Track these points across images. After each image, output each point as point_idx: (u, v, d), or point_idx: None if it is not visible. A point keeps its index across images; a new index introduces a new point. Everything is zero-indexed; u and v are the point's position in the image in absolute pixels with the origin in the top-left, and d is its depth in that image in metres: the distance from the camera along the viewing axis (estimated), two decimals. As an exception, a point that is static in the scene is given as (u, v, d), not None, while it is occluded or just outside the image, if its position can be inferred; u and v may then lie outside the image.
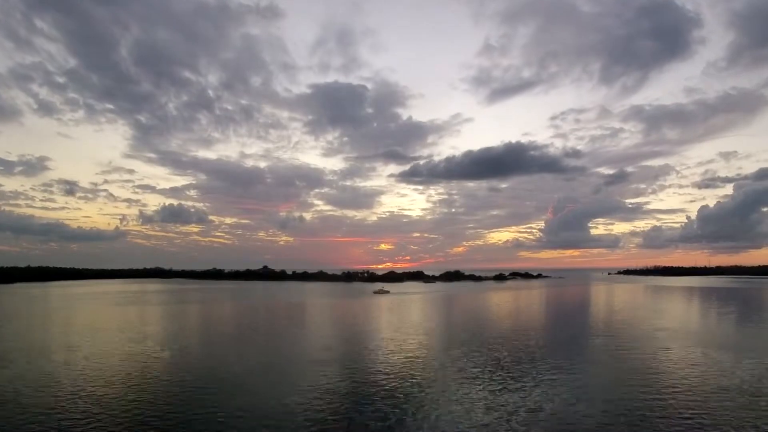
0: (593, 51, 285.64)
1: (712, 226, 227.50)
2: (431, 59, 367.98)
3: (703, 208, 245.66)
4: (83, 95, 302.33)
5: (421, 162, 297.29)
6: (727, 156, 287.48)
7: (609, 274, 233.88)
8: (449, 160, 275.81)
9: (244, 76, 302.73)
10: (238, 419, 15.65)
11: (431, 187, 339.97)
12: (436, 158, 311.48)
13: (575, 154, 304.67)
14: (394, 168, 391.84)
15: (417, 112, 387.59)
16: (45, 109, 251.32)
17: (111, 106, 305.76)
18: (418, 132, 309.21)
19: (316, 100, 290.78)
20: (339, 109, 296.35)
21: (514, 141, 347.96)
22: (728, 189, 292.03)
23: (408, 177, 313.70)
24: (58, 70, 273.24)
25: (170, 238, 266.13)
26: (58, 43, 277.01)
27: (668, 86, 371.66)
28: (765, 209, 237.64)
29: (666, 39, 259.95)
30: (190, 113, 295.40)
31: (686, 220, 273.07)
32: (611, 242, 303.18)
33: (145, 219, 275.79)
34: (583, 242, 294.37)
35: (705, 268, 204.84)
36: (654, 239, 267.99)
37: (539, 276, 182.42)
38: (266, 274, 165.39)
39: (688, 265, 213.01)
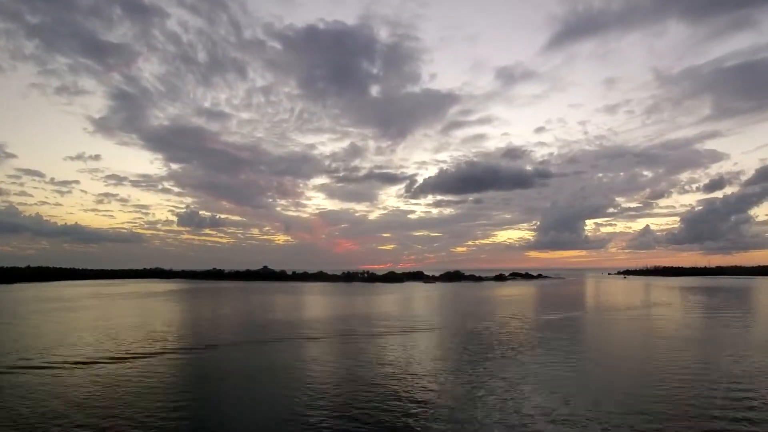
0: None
1: (707, 226, 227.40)
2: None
3: (699, 206, 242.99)
4: (24, 45, 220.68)
5: (417, 178, 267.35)
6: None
7: (609, 274, 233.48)
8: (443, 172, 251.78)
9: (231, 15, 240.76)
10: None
11: (431, 196, 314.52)
12: (441, 166, 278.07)
13: (616, 135, 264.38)
14: (386, 188, 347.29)
15: (441, 69, 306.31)
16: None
17: (68, 61, 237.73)
18: (435, 104, 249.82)
19: (312, 52, 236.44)
20: (340, 68, 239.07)
21: (536, 128, 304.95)
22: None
23: (403, 194, 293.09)
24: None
25: (162, 236, 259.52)
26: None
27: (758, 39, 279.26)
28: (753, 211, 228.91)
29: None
30: (170, 69, 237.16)
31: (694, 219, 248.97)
32: (618, 242, 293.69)
33: (137, 218, 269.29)
34: (587, 242, 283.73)
35: (705, 268, 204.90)
36: (658, 239, 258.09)
37: (539, 276, 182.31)
38: (266, 275, 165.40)
39: (687, 265, 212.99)
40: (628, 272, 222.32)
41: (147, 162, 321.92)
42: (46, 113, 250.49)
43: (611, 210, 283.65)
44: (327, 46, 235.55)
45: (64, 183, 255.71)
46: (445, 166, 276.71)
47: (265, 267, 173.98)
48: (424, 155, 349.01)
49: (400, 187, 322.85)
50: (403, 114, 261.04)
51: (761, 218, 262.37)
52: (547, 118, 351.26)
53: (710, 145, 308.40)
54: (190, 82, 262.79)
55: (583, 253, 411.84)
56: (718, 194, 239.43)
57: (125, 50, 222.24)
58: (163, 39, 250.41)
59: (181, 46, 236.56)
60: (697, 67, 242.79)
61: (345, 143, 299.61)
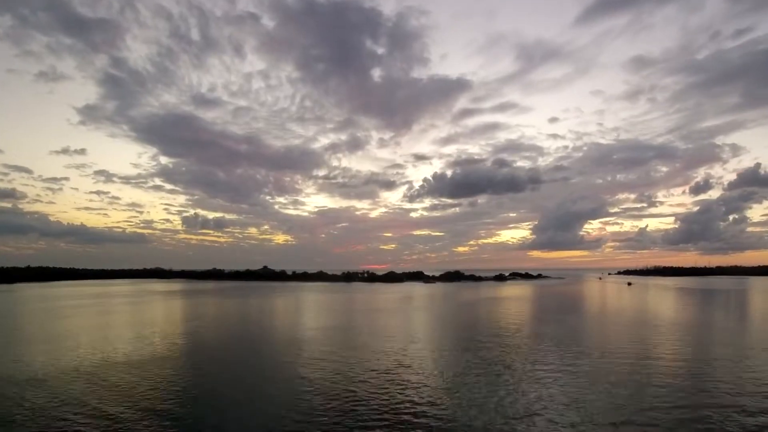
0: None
1: (711, 225, 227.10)
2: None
3: (695, 208, 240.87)
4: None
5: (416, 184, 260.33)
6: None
7: (609, 274, 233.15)
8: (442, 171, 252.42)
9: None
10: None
11: (428, 200, 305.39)
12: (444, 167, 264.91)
13: (634, 126, 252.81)
14: (386, 191, 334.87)
15: (453, 49, 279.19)
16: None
17: (47, 39, 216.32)
18: (444, 92, 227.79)
19: (309, 29, 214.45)
20: (341, 48, 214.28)
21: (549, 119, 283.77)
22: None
23: (400, 199, 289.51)
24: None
25: (158, 236, 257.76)
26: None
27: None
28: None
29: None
30: (161, 50, 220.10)
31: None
32: (620, 242, 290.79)
33: (131, 216, 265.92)
34: (590, 242, 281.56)
35: (705, 268, 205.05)
36: (662, 238, 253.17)
37: (539, 276, 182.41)
38: (266, 275, 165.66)
39: (687, 265, 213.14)
40: (627, 272, 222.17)
41: (137, 156, 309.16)
42: (28, 102, 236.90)
43: (616, 209, 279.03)
44: (326, 22, 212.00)
45: (54, 180, 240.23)
46: (450, 161, 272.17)
47: (265, 267, 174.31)
48: (431, 148, 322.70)
49: (398, 191, 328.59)
50: (409, 102, 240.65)
51: (756, 219, 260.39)
52: (564, 106, 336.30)
53: (732, 138, 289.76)
54: (184, 64, 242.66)
55: (585, 252, 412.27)
56: (733, 192, 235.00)
57: (110, 26, 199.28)
58: (150, 14, 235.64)
59: (173, 21, 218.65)
60: (729, 50, 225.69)
61: (345, 134, 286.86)
